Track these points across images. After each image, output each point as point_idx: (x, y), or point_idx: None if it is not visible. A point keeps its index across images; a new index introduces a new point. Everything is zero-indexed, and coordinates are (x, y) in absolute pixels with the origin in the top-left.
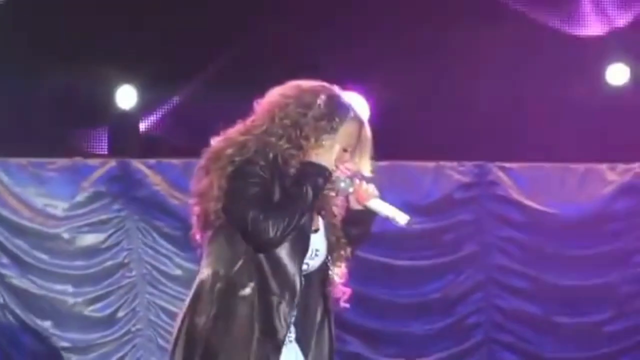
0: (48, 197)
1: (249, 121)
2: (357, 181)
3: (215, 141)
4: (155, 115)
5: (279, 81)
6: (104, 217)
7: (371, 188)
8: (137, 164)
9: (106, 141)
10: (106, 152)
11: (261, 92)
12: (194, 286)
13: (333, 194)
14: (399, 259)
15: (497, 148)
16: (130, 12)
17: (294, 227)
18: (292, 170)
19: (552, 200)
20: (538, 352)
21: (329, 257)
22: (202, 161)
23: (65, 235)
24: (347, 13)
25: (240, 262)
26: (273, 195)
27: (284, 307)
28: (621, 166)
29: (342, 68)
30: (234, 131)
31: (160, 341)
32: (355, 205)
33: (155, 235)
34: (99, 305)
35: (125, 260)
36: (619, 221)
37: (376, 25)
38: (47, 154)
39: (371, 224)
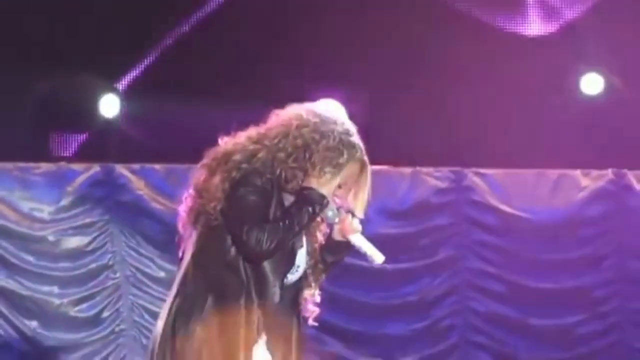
0: (34, 200)
1: (262, 129)
2: (344, 214)
3: (224, 142)
4: (137, 122)
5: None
6: (88, 220)
7: (355, 223)
8: (121, 169)
9: (90, 147)
10: (90, 158)
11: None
12: (180, 277)
13: (320, 220)
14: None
15: (472, 154)
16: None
17: (284, 245)
18: (291, 189)
19: (526, 205)
20: (513, 353)
21: (307, 275)
22: (207, 160)
23: (51, 238)
24: (328, 18)
25: (228, 266)
26: (270, 210)
27: (258, 314)
28: (594, 172)
29: (319, 76)
30: (245, 136)
31: (144, 341)
32: (337, 236)
33: (138, 238)
34: (84, 305)
35: (110, 263)
36: (592, 226)
37: (353, 33)
38: (32, 158)
39: (346, 255)
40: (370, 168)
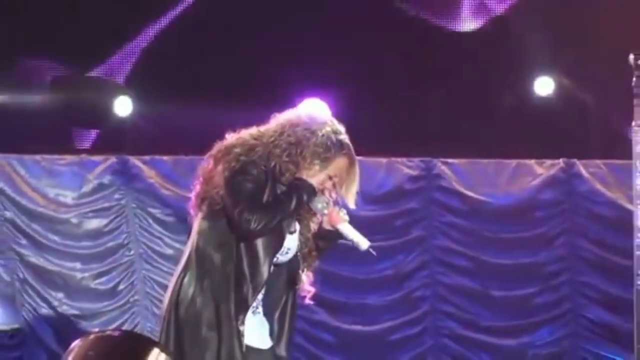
0: (59, 187)
1: (262, 128)
2: (332, 206)
3: (229, 136)
4: (148, 120)
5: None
6: (106, 204)
7: (342, 213)
8: (134, 160)
9: (107, 141)
10: (107, 150)
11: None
12: (185, 254)
13: (312, 210)
14: None
15: (441, 146)
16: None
17: (272, 226)
18: (285, 181)
19: (488, 191)
20: (476, 321)
21: (301, 258)
22: (213, 151)
23: (74, 220)
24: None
25: (224, 245)
26: (263, 196)
27: (250, 290)
28: (548, 162)
29: (299, 76)
30: (247, 133)
31: (155, 310)
32: (327, 225)
33: (150, 220)
34: (103, 279)
35: (125, 242)
36: (545, 209)
37: (331, 32)
38: (57, 151)
39: (336, 242)
40: (358, 164)
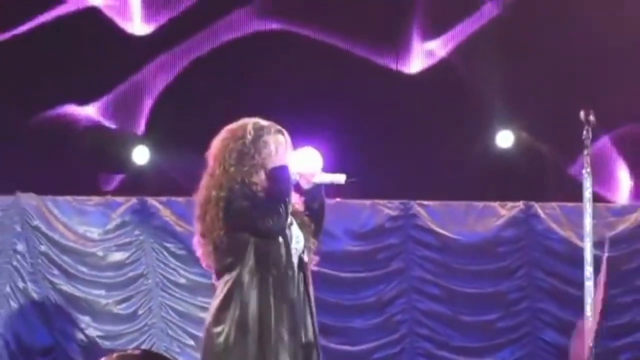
0: (87, 225)
1: (209, 170)
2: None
3: (198, 194)
4: (164, 166)
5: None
6: (127, 240)
7: (312, 168)
8: (152, 201)
9: (129, 184)
10: (129, 193)
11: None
12: (220, 284)
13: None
14: (343, 272)
15: (417, 190)
16: None
17: (286, 214)
18: (259, 181)
19: (458, 229)
20: (448, 342)
21: (305, 245)
22: (196, 211)
23: (100, 254)
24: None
25: (244, 263)
26: (259, 200)
27: (271, 281)
28: (509, 204)
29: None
30: (205, 182)
31: (170, 332)
32: (305, 185)
33: (165, 253)
34: (124, 305)
35: (144, 272)
36: (507, 245)
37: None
38: (86, 193)
39: (323, 195)
40: (287, 134)
